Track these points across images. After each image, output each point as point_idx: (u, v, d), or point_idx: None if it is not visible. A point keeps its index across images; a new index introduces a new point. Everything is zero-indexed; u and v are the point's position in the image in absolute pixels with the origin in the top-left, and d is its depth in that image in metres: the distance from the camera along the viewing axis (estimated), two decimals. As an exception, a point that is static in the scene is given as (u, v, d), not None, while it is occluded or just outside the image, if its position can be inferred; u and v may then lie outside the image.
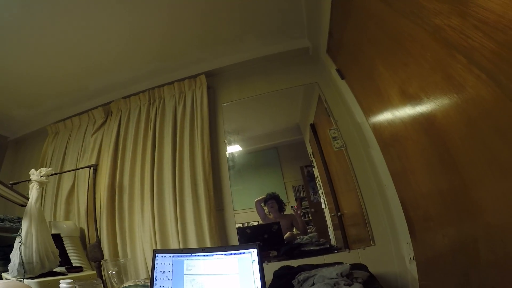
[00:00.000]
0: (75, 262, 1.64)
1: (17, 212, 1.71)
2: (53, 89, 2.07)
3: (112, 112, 2.15)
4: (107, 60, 1.90)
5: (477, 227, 0.74)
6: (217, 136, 1.90)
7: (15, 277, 1.28)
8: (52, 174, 1.45)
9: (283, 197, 1.71)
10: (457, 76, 0.68)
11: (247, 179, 1.79)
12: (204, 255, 0.94)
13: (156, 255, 1.01)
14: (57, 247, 1.47)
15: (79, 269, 1.52)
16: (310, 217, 1.67)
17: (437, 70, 0.75)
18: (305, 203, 1.70)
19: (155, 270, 0.99)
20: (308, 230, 1.64)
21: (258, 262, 0.87)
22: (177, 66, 2.04)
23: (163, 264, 0.98)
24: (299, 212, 1.67)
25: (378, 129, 1.29)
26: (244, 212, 1.71)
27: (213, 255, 0.93)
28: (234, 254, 0.91)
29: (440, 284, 1.00)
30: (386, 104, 1.11)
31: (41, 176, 1.36)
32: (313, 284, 0.96)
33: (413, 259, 1.19)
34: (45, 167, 1.48)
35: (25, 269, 1.33)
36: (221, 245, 1.55)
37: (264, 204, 1.70)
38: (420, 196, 1.01)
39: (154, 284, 0.98)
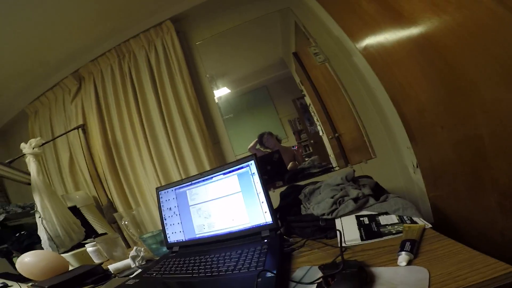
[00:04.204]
0: (99, 230, 1.72)
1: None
2: (12, 71, 1.95)
3: (83, 77, 2.07)
4: (58, 31, 1.75)
5: (474, 106, 0.70)
6: (198, 73, 1.89)
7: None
8: (43, 144, 1.43)
9: (281, 132, 1.71)
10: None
11: (243, 122, 1.79)
12: (204, 180, 0.94)
13: (160, 192, 1.01)
14: (78, 219, 1.54)
15: (105, 235, 1.60)
16: (311, 149, 1.69)
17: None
18: (303, 136, 1.70)
19: (162, 209, 1.00)
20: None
21: (258, 174, 0.83)
22: (137, 20, 1.90)
23: (167, 200, 1.00)
24: (300, 150, 1.67)
25: (355, 35, 1.28)
26: (247, 154, 1.73)
27: (212, 177, 0.92)
28: (233, 171, 0.89)
29: (451, 192, 0.98)
30: (357, 10, 1.11)
31: (33, 148, 1.36)
32: (320, 194, 0.94)
33: (417, 166, 1.19)
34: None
35: (56, 243, 1.40)
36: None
37: (261, 144, 1.70)
38: (409, 86, 0.99)
39: (165, 224, 1.00)
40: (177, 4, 1.87)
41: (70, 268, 1.15)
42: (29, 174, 1.45)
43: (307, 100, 1.69)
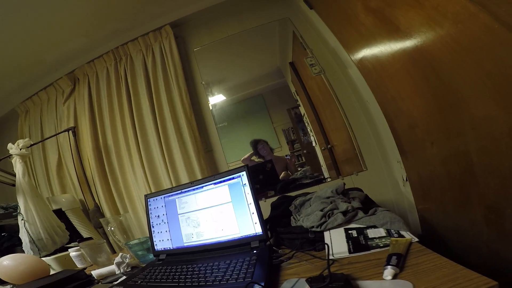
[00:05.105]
0: (84, 234, 1.68)
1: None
2: (7, 68, 1.91)
3: (78, 78, 2.05)
4: (57, 30, 1.74)
5: (464, 123, 0.72)
6: (194, 80, 1.88)
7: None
8: (31, 145, 1.40)
9: (274, 141, 1.71)
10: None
11: (237, 130, 1.77)
12: (194, 189, 0.93)
13: (148, 200, 1.00)
14: (63, 222, 1.50)
15: (90, 240, 1.56)
16: (304, 159, 1.69)
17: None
18: (296, 145, 1.71)
19: (150, 216, 0.99)
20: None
21: (250, 185, 0.83)
22: (136, 23, 1.90)
23: (156, 208, 0.98)
24: (293, 159, 1.67)
25: (351, 48, 1.30)
26: (240, 164, 1.72)
27: (202, 186, 0.92)
28: (224, 181, 0.88)
29: (439, 205, 1.00)
30: (354, 23, 1.13)
31: (20, 149, 1.32)
32: (310, 206, 0.94)
33: (407, 180, 1.21)
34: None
35: (38, 246, 1.35)
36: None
37: (255, 151, 1.70)
38: (401, 101, 1.00)
39: (152, 232, 0.98)
40: (178, 9, 1.88)
41: (52, 272, 1.12)
42: (14, 175, 1.41)
43: (302, 110, 1.70)
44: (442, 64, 0.72)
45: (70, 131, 1.79)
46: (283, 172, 1.67)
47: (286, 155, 1.69)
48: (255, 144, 1.70)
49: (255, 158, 1.70)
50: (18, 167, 1.35)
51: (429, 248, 0.62)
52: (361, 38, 1.13)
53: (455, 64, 0.67)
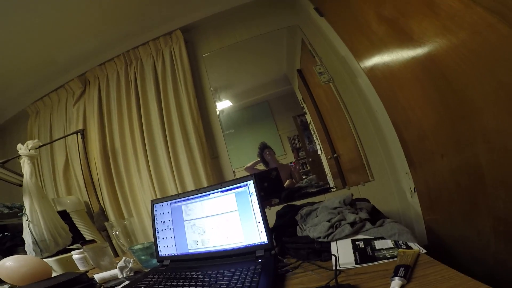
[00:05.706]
0: (87, 236, 1.68)
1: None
2: (20, 69, 1.95)
3: (89, 81, 2.08)
4: (71, 31, 1.78)
5: (476, 135, 0.71)
6: (202, 85, 1.90)
7: (34, 257, 1.30)
8: (40, 146, 1.41)
9: (279, 149, 1.71)
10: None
11: (243, 137, 1.78)
12: (200, 196, 0.92)
13: (154, 205, 0.99)
14: (67, 224, 1.50)
15: (92, 242, 1.56)
16: (308, 167, 1.68)
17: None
18: (302, 153, 1.70)
19: (155, 222, 0.98)
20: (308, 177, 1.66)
21: (256, 194, 0.83)
22: (148, 27, 1.93)
23: (162, 214, 0.97)
24: (297, 167, 1.67)
25: (361, 56, 1.30)
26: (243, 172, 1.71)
27: (209, 194, 0.91)
28: (231, 189, 0.88)
29: (447, 216, 0.99)
30: (365, 31, 1.13)
31: (29, 150, 1.34)
32: (317, 216, 0.94)
33: (414, 191, 1.20)
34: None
35: (40, 247, 1.35)
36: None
37: (261, 156, 1.69)
38: (412, 112, 0.99)
39: (157, 237, 0.97)
40: (188, 14, 1.91)
41: (54, 274, 1.11)
42: (21, 175, 1.42)
43: (308, 118, 1.70)
44: (456, 75, 0.71)
45: (79, 134, 1.80)
46: (288, 180, 1.66)
47: (290, 163, 1.68)
48: (263, 147, 1.69)
49: (259, 166, 1.69)
50: (26, 168, 1.36)
51: (435, 258, 0.61)
52: (372, 46, 1.13)
53: (469, 75, 0.66)
